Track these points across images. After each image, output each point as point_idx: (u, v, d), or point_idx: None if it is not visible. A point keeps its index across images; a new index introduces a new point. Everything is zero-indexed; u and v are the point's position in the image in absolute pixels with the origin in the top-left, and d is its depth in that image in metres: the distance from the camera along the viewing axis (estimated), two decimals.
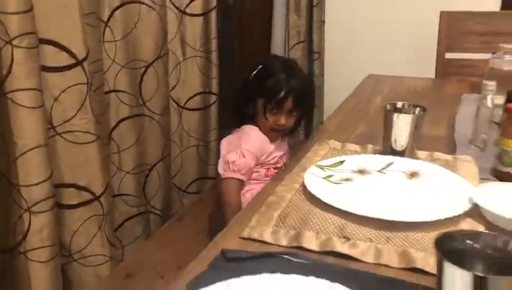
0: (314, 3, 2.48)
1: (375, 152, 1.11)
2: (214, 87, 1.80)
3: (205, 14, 1.70)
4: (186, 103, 1.76)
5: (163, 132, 1.60)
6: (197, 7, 1.66)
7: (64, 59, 1.07)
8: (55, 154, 1.12)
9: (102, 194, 1.22)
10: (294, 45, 2.53)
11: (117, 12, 1.34)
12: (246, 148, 1.26)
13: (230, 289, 0.59)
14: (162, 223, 1.68)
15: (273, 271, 0.63)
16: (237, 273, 0.64)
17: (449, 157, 1.07)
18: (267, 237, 0.76)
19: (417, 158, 1.04)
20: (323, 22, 2.58)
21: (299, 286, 0.60)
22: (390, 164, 1.01)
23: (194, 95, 1.77)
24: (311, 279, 0.61)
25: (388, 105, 1.08)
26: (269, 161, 1.33)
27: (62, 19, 1.04)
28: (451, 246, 0.53)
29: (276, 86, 1.25)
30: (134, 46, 1.41)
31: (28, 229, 1.03)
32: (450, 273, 0.50)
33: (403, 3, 2.50)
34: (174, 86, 1.71)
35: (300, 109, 1.30)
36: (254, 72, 1.32)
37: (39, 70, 1.01)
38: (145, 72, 1.48)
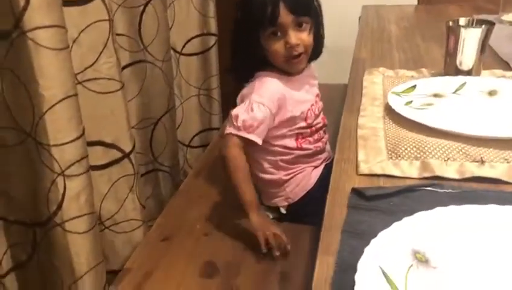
0: None
1: (433, 75, 1.03)
2: (213, 28, 1.63)
3: None
4: (183, 47, 1.59)
5: (167, 80, 1.43)
6: None
7: None
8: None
9: (131, 151, 1.06)
10: None
11: None
12: (256, 99, 1.05)
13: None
14: (172, 181, 1.54)
15: (425, 205, 0.54)
16: (392, 212, 0.55)
17: None
18: (391, 170, 0.67)
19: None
20: None
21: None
22: (464, 84, 0.94)
23: (191, 38, 1.60)
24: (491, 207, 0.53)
25: (450, 22, 0.99)
26: (298, 114, 1.12)
27: None
28: None
29: (260, 5, 1.03)
30: None
31: (63, 196, 0.87)
32: None
33: None
34: (169, 29, 1.53)
35: (304, 17, 1.06)
36: (236, 9, 1.10)
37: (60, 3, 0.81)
38: (143, 11, 1.29)
